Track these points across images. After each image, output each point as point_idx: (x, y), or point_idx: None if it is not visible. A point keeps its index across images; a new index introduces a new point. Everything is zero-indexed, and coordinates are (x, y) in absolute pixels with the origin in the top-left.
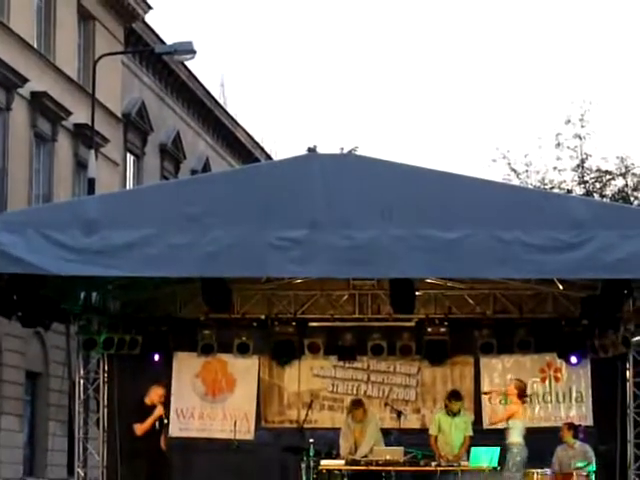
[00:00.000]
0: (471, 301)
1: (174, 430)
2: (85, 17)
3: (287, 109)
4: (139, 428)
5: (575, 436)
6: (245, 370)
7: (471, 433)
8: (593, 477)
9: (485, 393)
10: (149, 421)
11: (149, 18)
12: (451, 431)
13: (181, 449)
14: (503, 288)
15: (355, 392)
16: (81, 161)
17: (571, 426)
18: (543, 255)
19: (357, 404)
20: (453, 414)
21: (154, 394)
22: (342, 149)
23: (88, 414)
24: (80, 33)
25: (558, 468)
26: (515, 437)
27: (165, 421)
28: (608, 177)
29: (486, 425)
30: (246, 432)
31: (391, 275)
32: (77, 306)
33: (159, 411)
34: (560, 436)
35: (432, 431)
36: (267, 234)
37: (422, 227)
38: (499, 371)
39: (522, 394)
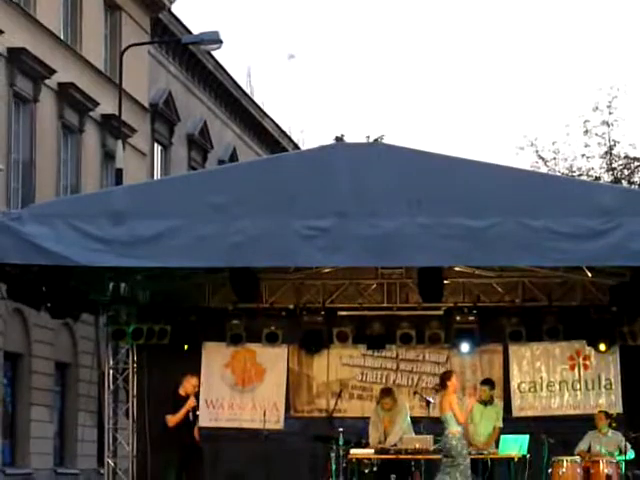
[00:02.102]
0: (499, 289)
1: (204, 420)
2: (111, 7)
3: (314, 98)
4: (171, 420)
5: (610, 425)
6: (274, 360)
7: (501, 424)
8: (623, 465)
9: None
10: (181, 413)
11: (175, 8)
12: (481, 420)
13: (210, 439)
14: (531, 276)
15: (384, 381)
16: (108, 152)
17: (608, 415)
18: (571, 243)
19: (386, 392)
20: (484, 403)
21: (188, 384)
22: (368, 137)
23: (117, 404)
24: (106, 23)
25: (585, 448)
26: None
27: (197, 413)
28: (636, 164)
29: (515, 413)
30: (275, 422)
31: (419, 264)
32: (106, 297)
33: (191, 402)
34: (595, 423)
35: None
36: (295, 223)
37: (450, 215)
38: (528, 359)
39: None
